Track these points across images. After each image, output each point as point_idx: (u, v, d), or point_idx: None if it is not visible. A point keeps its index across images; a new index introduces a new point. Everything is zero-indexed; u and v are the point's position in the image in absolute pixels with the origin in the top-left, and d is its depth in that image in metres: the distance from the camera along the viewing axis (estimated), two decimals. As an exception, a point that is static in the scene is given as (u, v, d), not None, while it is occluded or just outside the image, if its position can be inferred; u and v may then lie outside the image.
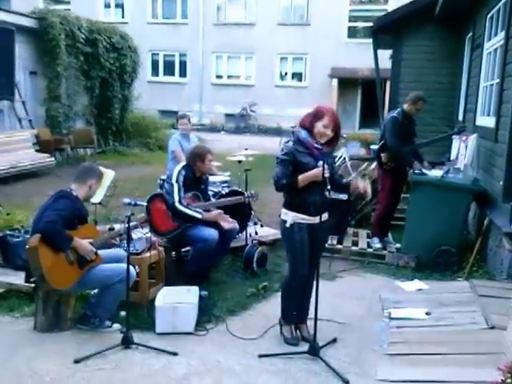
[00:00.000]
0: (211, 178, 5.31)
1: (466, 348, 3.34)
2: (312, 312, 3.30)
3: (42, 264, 3.28)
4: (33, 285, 3.64)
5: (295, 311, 3.54)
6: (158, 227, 4.36)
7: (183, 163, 4.58)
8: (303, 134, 3.26)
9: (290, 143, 3.28)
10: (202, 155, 4.49)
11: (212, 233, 4.30)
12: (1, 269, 4.36)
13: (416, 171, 5.18)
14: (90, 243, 3.48)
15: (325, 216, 3.37)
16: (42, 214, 3.39)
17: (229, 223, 4.46)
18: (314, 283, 3.26)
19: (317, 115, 3.24)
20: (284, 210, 3.34)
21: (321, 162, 3.18)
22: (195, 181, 4.54)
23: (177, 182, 4.39)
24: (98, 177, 3.72)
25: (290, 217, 3.27)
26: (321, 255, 3.50)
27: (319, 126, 3.21)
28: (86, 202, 3.77)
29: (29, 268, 3.49)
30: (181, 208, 4.33)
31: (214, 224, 4.41)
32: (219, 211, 4.44)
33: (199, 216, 4.33)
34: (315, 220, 3.29)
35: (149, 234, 4.28)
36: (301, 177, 3.21)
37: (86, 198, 3.67)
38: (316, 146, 3.23)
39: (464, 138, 5.73)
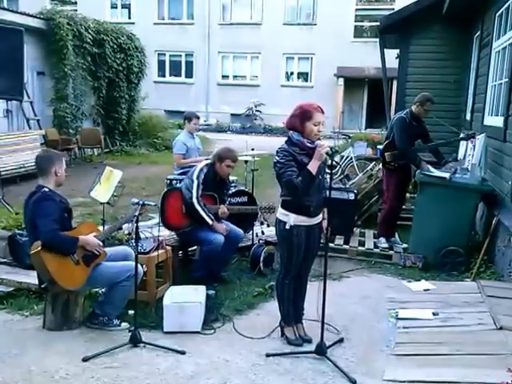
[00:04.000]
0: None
1: (474, 349, 3.32)
2: (314, 312, 3.32)
3: (48, 268, 3.28)
4: (46, 289, 3.58)
5: (293, 311, 3.53)
6: (169, 221, 4.37)
7: (207, 162, 4.57)
8: (295, 135, 3.23)
9: (285, 145, 3.25)
10: (223, 157, 4.45)
11: (218, 236, 4.31)
12: (10, 268, 4.40)
13: (423, 171, 5.16)
14: (95, 237, 3.50)
15: (320, 217, 3.37)
16: (35, 223, 3.33)
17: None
18: (319, 284, 3.27)
19: (304, 116, 3.20)
20: (284, 211, 3.29)
21: (317, 142, 3.17)
22: (216, 182, 4.52)
23: (197, 178, 4.39)
24: (57, 159, 3.54)
25: (292, 219, 3.24)
26: (316, 255, 3.50)
27: (310, 126, 3.19)
28: (95, 202, 3.77)
29: (38, 274, 3.50)
30: (196, 206, 4.33)
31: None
32: (227, 228, 4.44)
33: (209, 221, 4.35)
34: (313, 221, 3.31)
35: (156, 233, 4.30)
36: (310, 165, 3.16)
37: (58, 185, 3.56)
38: (309, 145, 3.21)
39: (471, 140, 5.70)
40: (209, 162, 4.55)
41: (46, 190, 3.43)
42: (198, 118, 6.00)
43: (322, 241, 3.45)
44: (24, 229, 4.50)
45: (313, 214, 3.29)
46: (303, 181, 3.15)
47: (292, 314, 3.52)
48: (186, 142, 5.79)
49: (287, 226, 3.25)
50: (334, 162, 3.24)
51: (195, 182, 4.36)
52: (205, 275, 4.34)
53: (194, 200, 4.33)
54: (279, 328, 3.56)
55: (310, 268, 3.56)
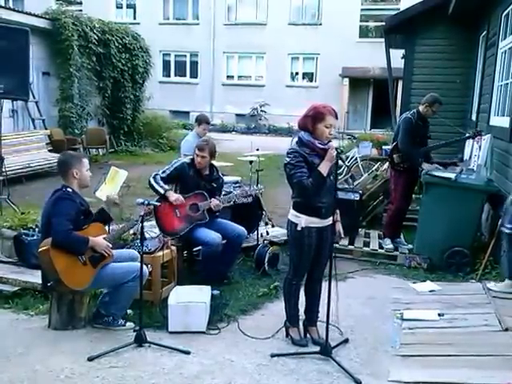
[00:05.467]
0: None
1: (479, 350, 3.31)
2: (323, 313, 3.30)
3: (56, 267, 3.29)
4: (51, 288, 3.58)
5: (299, 312, 3.53)
6: (164, 227, 4.39)
7: (191, 157, 4.63)
8: (306, 136, 3.23)
9: (295, 146, 3.25)
10: (194, 148, 4.55)
11: (214, 236, 4.31)
12: (16, 267, 4.41)
13: (427, 172, 5.14)
14: (104, 239, 3.51)
15: (331, 219, 3.35)
16: (50, 221, 3.35)
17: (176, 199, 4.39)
18: (325, 285, 3.26)
19: (317, 117, 3.19)
20: (295, 213, 3.29)
21: (330, 144, 3.18)
22: (202, 178, 4.53)
23: (171, 165, 4.50)
24: (75, 162, 3.53)
25: (303, 220, 3.24)
26: (328, 257, 3.46)
27: (322, 128, 3.18)
28: (101, 202, 3.78)
29: (44, 273, 3.51)
30: (151, 181, 4.42)
31: (219, 229, 4.44)
32: (178, 196, 4.37)
33: (161, 191, 4.37)
34: (325, 223, 3.29)
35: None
36: (320, 167, 3.16)
37: (81, 187, 3.58)
38: (320, 146, 3.20)
39: (477, 138, 5.68)
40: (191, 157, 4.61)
41: (70, 190, 3.47)
42: (209, 123, 6.02)
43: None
44: (29, 229, 4.54)
45: (324, 215, 3.27)
46: (314, 182, 3.14)
47: (297, 315, 3.51)
48: (193, 144, 5.82)
49: (298, 228, 3.25)
50: (341, 162, 3.22)
51: (165, 168, 4.50)
52: (209, 275, 4.35)
53: (151, 177, 4.44)
54: (284, 328, 3.56)
55: (323, 270, 3.48)
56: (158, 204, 3.64)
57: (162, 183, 4.42)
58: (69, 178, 3.50)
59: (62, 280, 3.32)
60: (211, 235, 4.32)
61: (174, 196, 4.39)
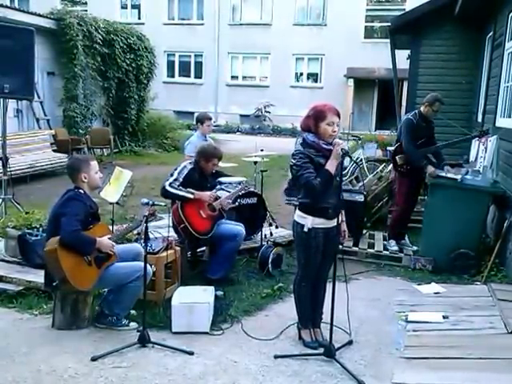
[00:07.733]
0: (226, 179, 5.31)
1: (484, 353, 3.29)
2: (327, 314, 3.29)
3: (63, 266, 3.28)
4: (55, 287, 3.59)
5: (310, 314, 3.51)
6: (196, 228, 4.34)
7: (192, 160, 4.59)
8: (310, 136, 3.21)
9: (300, 147, 3.23)
10: (209, 157, 4.46)
11: (239, 228, 4.35)
12: (20, 267, 4.41)
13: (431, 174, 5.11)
14: (109, 239, 3.51)
15: (339, 219, 3.31)
16: (57, 219, 3.36)
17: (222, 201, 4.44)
18: (328, 287, 3.25)
19: (318, 116, 3.17)
20: (301, 214, 3.27)
21: (336, 140, 3.14)
22: (201, 179, 4.52)
23: (179, 172, 4.39)
24: (82, 166, 3.55)
25: (309, 221, 3.21)
26: (333, 258, 3.44)
27: (324, 127, 3.16)
28: (104, 202, 3.78)
29: (48, 272, 3.50)
30: (171, 190, 4.30)
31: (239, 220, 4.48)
32: (209, 193, 4.40)
33: (191, 196, 4.31)
34: (331, 224, 3.26)
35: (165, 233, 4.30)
36: (327, 165, 3.12)
37: (92, 189, 3.62)
38: (325, 146, 3.18)
39: (483, 140, 5.65)
40: (193, 159, 4.55)
41: (81, 191, 3.51)
42: (211, 119, 5.99)
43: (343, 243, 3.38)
44: (34, 228, 4.54)
45: (331, 216, 3.22)
46: (322, 181, 3.11)
47: (308, 317, 3.49)
48: (198, 145, 5.81)
49: (305, 229, 3.22)
50: (349, 159, 3.20)
51: (175, 173, 4.38)
52: (225, 273, 4.35)
53: (167, 187, 4.30)
54: (289, 328, 3.55)
55: (328, 272, 3.46)
56: (162, 204, 3.63)
57: (183, 188, 4.33)
58: (78, 182, 3.54)
59: (68, 279, 3.31)
60: (236, 227, 4.38)
61: (205, 194, 4.38)
